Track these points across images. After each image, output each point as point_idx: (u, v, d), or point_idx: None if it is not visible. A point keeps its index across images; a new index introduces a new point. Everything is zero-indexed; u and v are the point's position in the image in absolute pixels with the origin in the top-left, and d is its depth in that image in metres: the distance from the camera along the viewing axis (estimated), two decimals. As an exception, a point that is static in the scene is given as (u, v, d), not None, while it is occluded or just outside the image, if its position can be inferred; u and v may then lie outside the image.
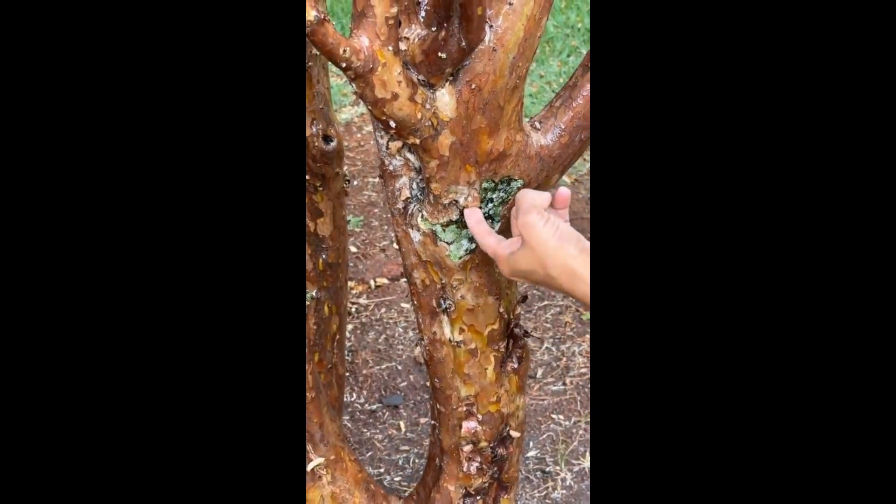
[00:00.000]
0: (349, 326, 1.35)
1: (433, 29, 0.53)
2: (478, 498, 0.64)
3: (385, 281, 1.50)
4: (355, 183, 1.62)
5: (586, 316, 1.33)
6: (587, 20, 2.63)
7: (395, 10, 0.49)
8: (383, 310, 1.44)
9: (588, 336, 1.29)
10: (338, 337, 0.84)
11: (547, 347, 1.29)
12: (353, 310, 1.41)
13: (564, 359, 1.26)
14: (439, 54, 0.52)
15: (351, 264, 1.42)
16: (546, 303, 1.38)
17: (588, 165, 1.72)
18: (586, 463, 1.04)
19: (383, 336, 1.37)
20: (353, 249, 1.50)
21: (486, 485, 0.65)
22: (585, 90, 0.59)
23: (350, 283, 1.42)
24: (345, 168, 0.81)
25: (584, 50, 2.45)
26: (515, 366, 0.64)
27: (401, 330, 1.41)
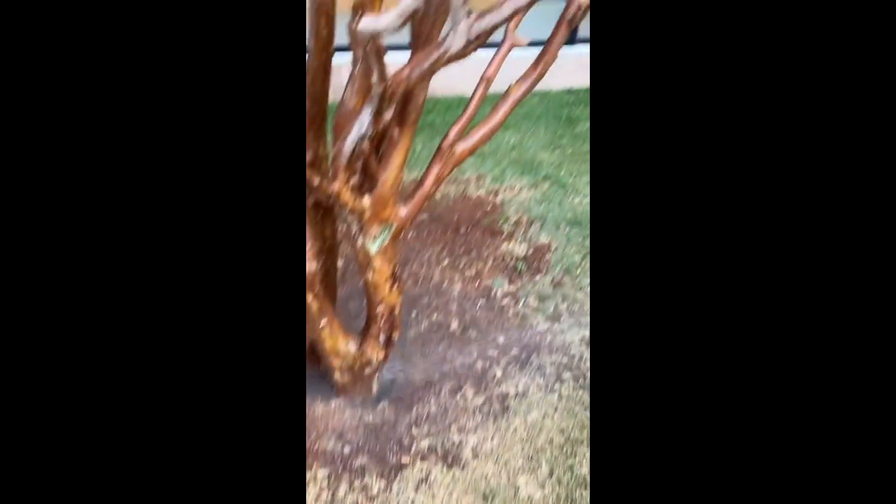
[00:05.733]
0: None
1: (359, 177, 1.41)
2: (382, 337, 1.62)
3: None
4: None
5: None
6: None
7: (347, 177, 1.38)
8: (358, 245, 2.40)
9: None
10: (332, 268, 1.77)
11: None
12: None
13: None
14: (363, 188, 1.41)
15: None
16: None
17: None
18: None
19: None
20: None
21: (387, 332, 1.63)
22: (425, 186, 1.48)
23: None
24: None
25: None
26: (395, 287, 1.59)
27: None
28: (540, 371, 1.88)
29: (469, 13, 0.89)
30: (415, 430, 1.69)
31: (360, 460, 1.62)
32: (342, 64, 1.30)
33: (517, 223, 2.55)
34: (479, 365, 1.90)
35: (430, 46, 1.05)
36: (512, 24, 1.35)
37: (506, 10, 0.95)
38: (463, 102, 3.57)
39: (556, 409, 1.75)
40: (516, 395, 1.80)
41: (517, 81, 1.48)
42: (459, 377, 1.86)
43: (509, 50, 1.38)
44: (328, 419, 1.73)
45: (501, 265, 2.32)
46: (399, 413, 1.75)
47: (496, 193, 2.73)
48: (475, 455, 1.63)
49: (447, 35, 0.96)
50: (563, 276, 2.26)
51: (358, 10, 1.11)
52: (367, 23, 0.57)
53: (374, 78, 1.04)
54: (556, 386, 1.83)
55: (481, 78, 1.42)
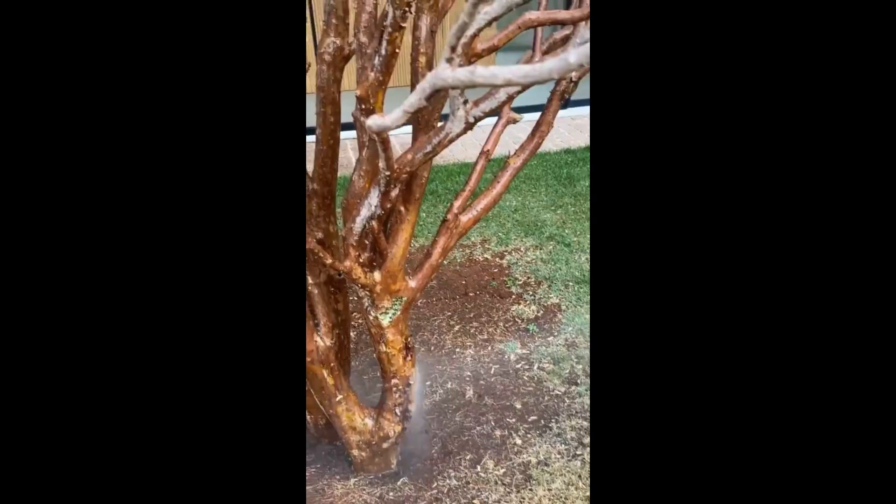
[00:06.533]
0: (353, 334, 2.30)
1: (369, 253, 1.45)
2: (398, 409, 1.61)
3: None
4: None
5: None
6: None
7: (358, 255, 1.41)
8: (369, 315, 2.41)
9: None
10: (346, 342, 1.78)
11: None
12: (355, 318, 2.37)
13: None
14: (373, 263, 1.44)
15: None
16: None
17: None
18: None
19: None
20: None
21: (404, 404, 1.62)
22: (432, 259, 1.51)
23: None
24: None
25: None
26: (409, 358, 1.59)
27: (379, 326, 2.39)
28: (560, 437, 1.84)
29: (465, 102, 0.95)
30: (436, 506, 1.65)
31: (382, 542, 1.57)
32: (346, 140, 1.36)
33: (525, 285, 2.57)
34: (498, 433, 1.87)
35: (432, 131, 1.11)
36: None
37: (500, 97, 1.01)
38: (462, 169, 3.67)
39: (579, 477, 1.71)
40: (538, 463, 1.76)
41: (516, 152, 1.54)
42: (478, 447, 1.82)
43: (505, 126, 1.45)
44: (347, 499, 1.69)
45: (513, 328, 2.32)
46: (419, 489, 1.71)
47: (502, 256, 2.77)
48: (500, 530, 1.57)
49: (447, 120, 1.02)
50: (576, 336, 2.26)
51: (362, 102, 1.18)
52: (375, 120, 0.62)
53: (382, 164, 1.09)
54: (579, 451, 1.79)
55: (480, 153, 1.48)
